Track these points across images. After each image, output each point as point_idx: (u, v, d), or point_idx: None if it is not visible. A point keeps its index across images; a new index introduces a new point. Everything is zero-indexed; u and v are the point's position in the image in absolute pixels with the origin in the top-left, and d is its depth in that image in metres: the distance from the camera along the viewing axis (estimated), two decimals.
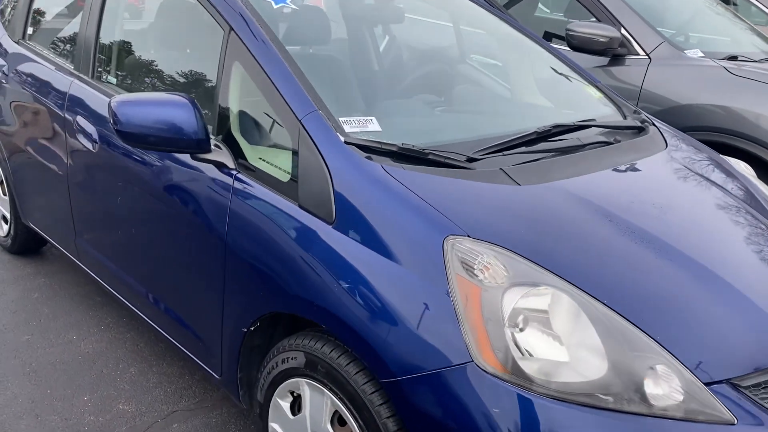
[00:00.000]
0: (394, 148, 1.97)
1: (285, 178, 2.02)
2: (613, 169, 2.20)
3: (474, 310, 1.60)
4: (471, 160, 2.04)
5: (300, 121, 1.98)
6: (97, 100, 2.76)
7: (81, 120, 2.80)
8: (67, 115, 2.91)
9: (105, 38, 2.90)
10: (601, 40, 4.05)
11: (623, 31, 4.15)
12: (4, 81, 3.48)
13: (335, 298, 1.79)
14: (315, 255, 1.87)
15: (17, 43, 3.53)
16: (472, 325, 1.59)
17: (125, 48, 2.89)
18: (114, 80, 2.80)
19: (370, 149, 1.96)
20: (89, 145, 2.74)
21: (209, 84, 2.37)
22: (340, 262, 1.81)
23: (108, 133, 2.65)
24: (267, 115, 2.14)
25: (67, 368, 2.94)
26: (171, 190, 2.35)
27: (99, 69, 2.88)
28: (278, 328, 2.19)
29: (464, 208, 1.81)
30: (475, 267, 1.64)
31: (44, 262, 3.90)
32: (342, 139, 1.96)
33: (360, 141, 1.97)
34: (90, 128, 2.74)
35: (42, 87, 3.17)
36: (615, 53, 4.13)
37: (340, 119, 2.03)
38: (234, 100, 2.21)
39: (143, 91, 2.70)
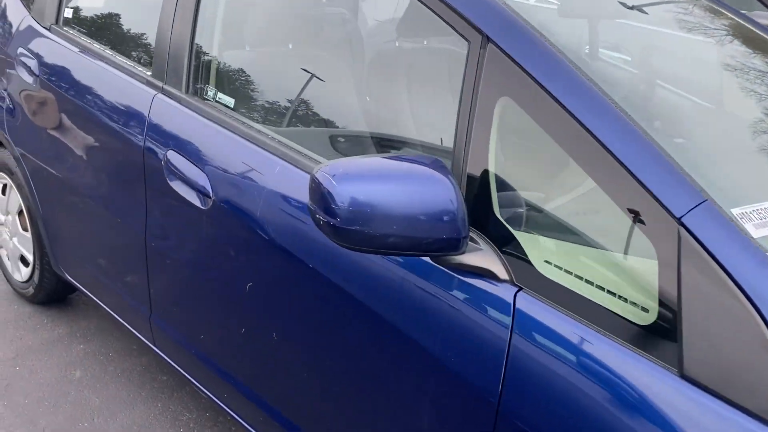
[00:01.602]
0: None
1: (641, 317, 1.15)
2: None
3: None
4: None
5: (679, 220, 1.11)
6: (209, 134, 1.83)
7: (177, 159, 1.88)
8: (148, 146, 1.98)
9: (207, 32, 1.97)
10: None
11: None
12: (30, 81, 2.52)
13: None
14: None
15: (49, 29, 2.55)
16: None
17: (249, 51, 1.96)
18: (230, 101, 1.87)
19: None
20: (195, 199, 1.82)
21: (437, 130, 1.47)
22: None
23: (235, 187, 1.74)
24: (578, 192, 1.27)
25: None
26: (372, 296, 1.45)
27: (200, 82, 1.95)
28: None
29: None
30: None
31: (76, 315, 2.97)
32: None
33: None
34: (196, 174, 1.82)
35: (96, 97, 2.23)
36: None
37: (734, 212, 1.16)
38: (498, 161, 1.33)
39: (288, 126, 1.78)
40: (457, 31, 1.40)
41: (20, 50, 2.60)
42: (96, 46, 2.34)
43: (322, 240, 1.52)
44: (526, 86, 1.28)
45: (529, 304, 1.24)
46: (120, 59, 2.23)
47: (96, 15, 2.53)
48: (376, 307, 1.43)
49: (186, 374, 2.15)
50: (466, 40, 1.38)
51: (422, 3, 1.46)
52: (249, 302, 1.77)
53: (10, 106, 2.67)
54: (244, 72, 1.93)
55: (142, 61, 2.17)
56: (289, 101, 1.83)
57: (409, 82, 1.78)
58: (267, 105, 1.87)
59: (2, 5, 2.91)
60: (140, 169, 2.02)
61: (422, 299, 1.36)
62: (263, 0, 2.06)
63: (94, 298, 2.52)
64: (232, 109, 1.86)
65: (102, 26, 2.47)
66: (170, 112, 1.95)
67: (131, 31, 2.33)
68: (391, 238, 1.18)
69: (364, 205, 1.16)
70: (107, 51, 2.30)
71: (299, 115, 1.81)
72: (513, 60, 1.31)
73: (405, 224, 1.17)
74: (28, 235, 2.84)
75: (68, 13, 2.54)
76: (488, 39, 1.35)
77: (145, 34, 2.23)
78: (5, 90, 2.72)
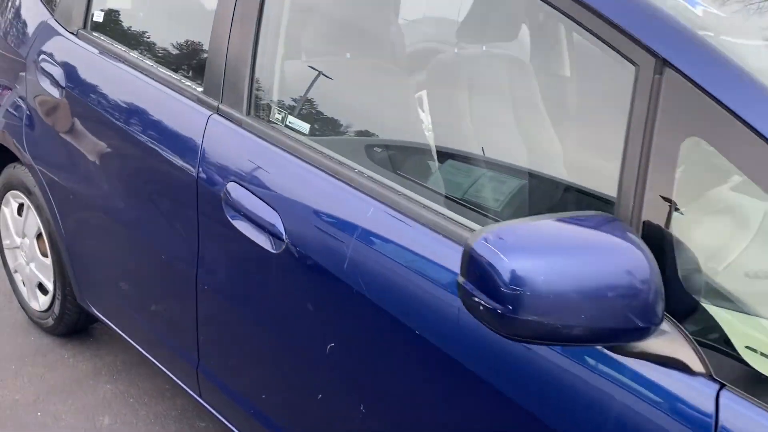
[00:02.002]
0: None
1: None
2: None
3: None
4: None
5: None
6: (281, 165, 1.55)
7: (241, 193, 1.60)
8: (202, 175, 1.70)
9: (272, 43, 1.68)
10: None
11: None
12: (55, 93, 2.22)
13: None
14: None
15: (75, 35, 2.26)
16: None
17: (326, 67, 1.67)
18: (304, 127, 1.59)
19: None
20: (263, 240, 1.54)
21: (590, 177, 1.20)
22: None
23: (314, 230, 1.46)
24: None
25: None
26: (508, 383, 1.17)
27: (266, 102, 1.67)
28: None
29: None
30: None
31: (100, 349, 2.68)
32: None
33: None
34: (265, 211, 1.54)
35: (134, 114, 1.94)
36: None
37: None
38: (682, 218, 1.05)
39: (380, 160, 1.50)
40: (618, 51, 1.12)
41: (42, 56, 2.31)
42: (132, 55, 2.05)
43: (430, 300, 1.25)
44: (726, 125, 1.01)
45: (737, 408, 0.97)
46: (162, 71, 1.94)
47: (130, 19, 2.24)
48: (516, 398, 1.15)
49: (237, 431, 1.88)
50: (633, 63, 1.10)
51: (569, 18, 1.18)
52: (330, 365, 1.50)
53: (29, 114, 2.38)
54: (321, 92, 1.64)
55: (190, 74, 1.89)
56: (382, 129, 1.55)
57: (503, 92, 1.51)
58: (352, 133, 1.59)
59: (16, 3, 2.62)
60: (192, 201, 1.74)
61: (581, 392, 1.08)
62: (341, 6, 1.77)
63: (128, 338, 2.24)
64: (306, 135, 1.58)
65: (137, 32, 2.19)
66: (230, 138, 1.67)
67: (175, 39, 2.04)
68: (577, 329, 0.90)
69: (547, 289, 0.88)
70: (146, 61, 2.01)
71: (395, 147, 1.53)
72: (705, 91, 1.03)
73: (596, 312, 0.90)
74: (48, 261, 2.55)
75: (98, 16, 2.25)
76: (665, 62, 1.07)
77: (192, 42, 1.95)
78: (21, 98, 2.43)
